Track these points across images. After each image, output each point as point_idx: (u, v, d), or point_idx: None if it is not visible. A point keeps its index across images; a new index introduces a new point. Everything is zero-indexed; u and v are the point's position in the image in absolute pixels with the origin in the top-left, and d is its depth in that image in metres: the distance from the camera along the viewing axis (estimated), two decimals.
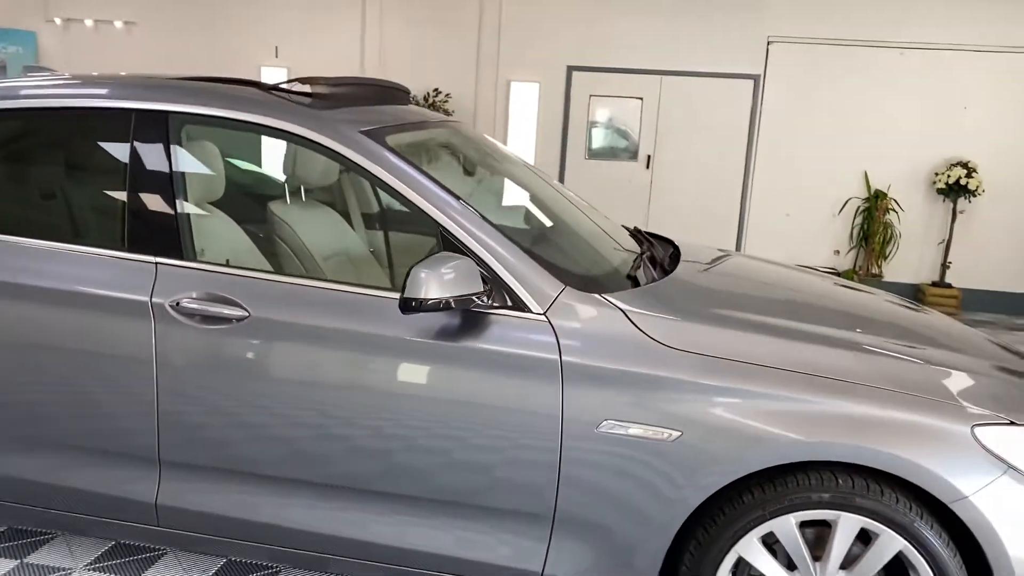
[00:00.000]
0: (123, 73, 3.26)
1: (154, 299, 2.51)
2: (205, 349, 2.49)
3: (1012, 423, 2.26)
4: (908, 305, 3.28)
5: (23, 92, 2.82)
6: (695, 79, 8.86)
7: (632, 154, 9.13)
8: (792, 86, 8.68)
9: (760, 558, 2.32)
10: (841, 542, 2.26)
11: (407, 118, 3.03)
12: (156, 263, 2.55)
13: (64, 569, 2.94)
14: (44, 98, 2.81)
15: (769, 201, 8.93)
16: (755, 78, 8.74)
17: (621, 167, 9.17)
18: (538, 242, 2.80)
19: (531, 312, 2.38)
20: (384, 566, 2.55)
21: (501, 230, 2.46)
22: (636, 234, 3.57)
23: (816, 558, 2.31)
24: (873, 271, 8.62)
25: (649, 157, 9.07)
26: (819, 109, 8.65)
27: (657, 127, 9.01)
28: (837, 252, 8.85)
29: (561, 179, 9.25)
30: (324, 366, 2.45)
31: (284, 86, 2.83)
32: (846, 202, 8.66)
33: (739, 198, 8.98)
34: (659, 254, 3.20)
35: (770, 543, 2.34)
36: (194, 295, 2.49)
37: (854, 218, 8.68)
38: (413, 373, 2.41)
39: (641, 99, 9.01)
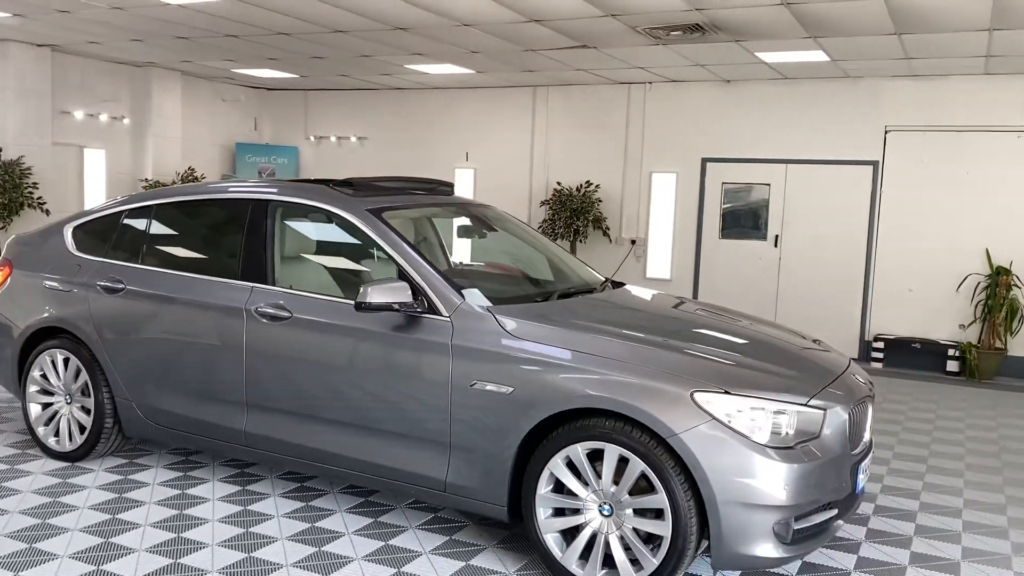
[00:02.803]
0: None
1: (247, 306, 4.32)
2: (269, 335, 4.25)
3: (726, 392, 3.38)
4: (754, 323, 4.43)
5: (218, 189, 4.85)
6: (818, 166, 9.74)
7: (761, 234, 10.10)
8: (910, 170, 9.29)
9: (565, 473, 3.57)
10: (609, 463, 3.48)
11: (419, 202, 4.72)
12: (252, 286, 4.37)
13: (204, 480, 4.77)
14: (219, 193, 4.83)
15: (892, 277, 9.46)
16: (874, 164, 9.45)
17: (751, 246, 10.16)
18: (470, 275, 4.29)
19: (441, 315, 3.88)
20: (363, 475, 4.09)
21: (432, 265, 4.01)
22: (606, 280, 4.91)
23: (601, 477, 3.53)
24: (996, 345, 8.82)
25: (777, 237, 9.99)
26: (937, 190, 9.16)
27: (784, 209, 9.94)
28: (962, 326, 9.12)
29: (697, 256, 10.42)
30: (331, 344, 4.10)
31: (338, 182, 4.60)
32: (965, 278, 9.00)
33: (863, 274, 9.60)
34: (578, 287, 4.61)
35: (576, 469, 3.58)
36: (265, 304, 4.27)
37: (974, 294, 8.98)
38: (374, 349, 3.99)
39: (769, 185, 10.02)
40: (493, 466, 3.72)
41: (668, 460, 3.37)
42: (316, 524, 4.21)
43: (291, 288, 4.33)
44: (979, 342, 8.96)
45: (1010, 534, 4.47)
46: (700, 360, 3.62)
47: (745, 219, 10.28)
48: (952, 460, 5.79)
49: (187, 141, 11.82)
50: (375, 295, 3.81)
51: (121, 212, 5.00)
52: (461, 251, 5.10)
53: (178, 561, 3.74)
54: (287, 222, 4.58)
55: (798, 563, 3.97)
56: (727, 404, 3.37)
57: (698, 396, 3.38)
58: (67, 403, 4.95)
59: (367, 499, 4.57)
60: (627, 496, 3.48)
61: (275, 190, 4.56)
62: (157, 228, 4.89)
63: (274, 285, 4.36)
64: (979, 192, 8.99)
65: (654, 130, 10.55)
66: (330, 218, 4.40)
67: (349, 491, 4.66)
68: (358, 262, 4.57)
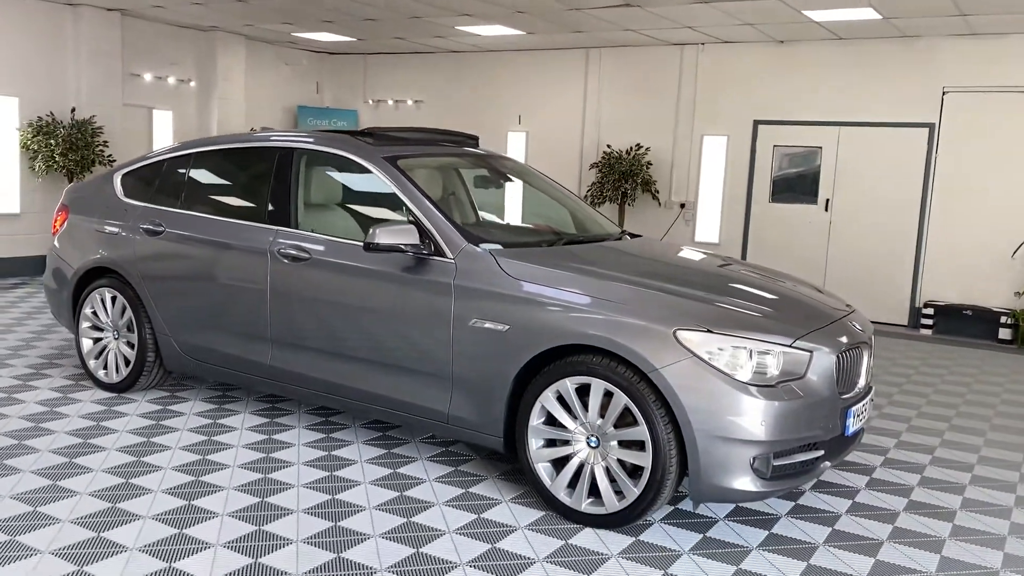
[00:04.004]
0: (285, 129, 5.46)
1: (271, 248, 4.58)
2: (290, 275, 4.50)
3: (709, 331, 3.48)
4: (757, 272, 4.53)
5: (250, 138, 5.13)
6: (872, 128, 9.54)
7: (812, 198, 9.96)
8: (967, 133, 9.02)
9: (555, 407, 3.72)
10: (595, 397, 3.62)
11: (436, 151, 4.91)
12: (276, 229, 4.62)
13: (237, 412, 5.09)
14: (251, 142, 5.10)
15: (946, 242, 9.24)
16: (930, 126, 9.21)
17: (801, 210, 10.04)
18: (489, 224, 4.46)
19: (447, 257, 4.06)
20: (374, 407, 4.33)
21: (441, 210, 4.19)
22: (623, 231, 5.03)
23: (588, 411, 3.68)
24: None
25: (828, 200, 9.85)
26: (995, 154, 8.89)
27: (835, 173, 9.78)
28: (1018, 294, 8.87)
29: (746, 220, 10.35)
30: (345, 284, 4.33)
31: (359, 132, 4.81)
32: (1021, 244, 8.74)
33: (915, 239, 9.40)
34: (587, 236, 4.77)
35: (566, 404, 3.73)
36: (287, 246, 4.52)
37: None
38: (384, 288, 4.20)
39: (820, 148, 9.86)
40: (490, 400, 3.90)
41: (649, 394, 3.49)
42: (332, 452, 4.47)
43: (312, 231, 4.57)
44: None
45: (1018, 488, 4.45)
46: (688, 301, 3.72)
47: (796, 182, 10.15)
48: (978, 421, 5.73)
49: (251, 104, 12.22)
50: (383, 236, 4.02)
51: (164, 160, 5.32)
52: (486, 204, 5.32)
53: (200, 479, 4.05)
54: (310, 169, 4.81)
55: (789, 504, 4.06)
56: (709, 342, 3.47)
57: (681, 334, 3.48)
58: (114, 338, 5.32)
59: (384, 433, 4.81)
60: (612, 428, 3.61)
61: (300, 139, 4.80)
62: (195, 175, 5.19)
63: (297, 228, 4.60)
64: None
65: (706, 92, 10.47)
66: (349, 165, 4.61)
67: (369, 426, 4.92)
68: (374, 207, 4.78)
